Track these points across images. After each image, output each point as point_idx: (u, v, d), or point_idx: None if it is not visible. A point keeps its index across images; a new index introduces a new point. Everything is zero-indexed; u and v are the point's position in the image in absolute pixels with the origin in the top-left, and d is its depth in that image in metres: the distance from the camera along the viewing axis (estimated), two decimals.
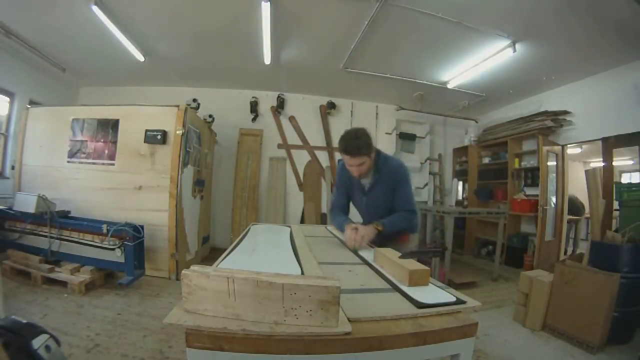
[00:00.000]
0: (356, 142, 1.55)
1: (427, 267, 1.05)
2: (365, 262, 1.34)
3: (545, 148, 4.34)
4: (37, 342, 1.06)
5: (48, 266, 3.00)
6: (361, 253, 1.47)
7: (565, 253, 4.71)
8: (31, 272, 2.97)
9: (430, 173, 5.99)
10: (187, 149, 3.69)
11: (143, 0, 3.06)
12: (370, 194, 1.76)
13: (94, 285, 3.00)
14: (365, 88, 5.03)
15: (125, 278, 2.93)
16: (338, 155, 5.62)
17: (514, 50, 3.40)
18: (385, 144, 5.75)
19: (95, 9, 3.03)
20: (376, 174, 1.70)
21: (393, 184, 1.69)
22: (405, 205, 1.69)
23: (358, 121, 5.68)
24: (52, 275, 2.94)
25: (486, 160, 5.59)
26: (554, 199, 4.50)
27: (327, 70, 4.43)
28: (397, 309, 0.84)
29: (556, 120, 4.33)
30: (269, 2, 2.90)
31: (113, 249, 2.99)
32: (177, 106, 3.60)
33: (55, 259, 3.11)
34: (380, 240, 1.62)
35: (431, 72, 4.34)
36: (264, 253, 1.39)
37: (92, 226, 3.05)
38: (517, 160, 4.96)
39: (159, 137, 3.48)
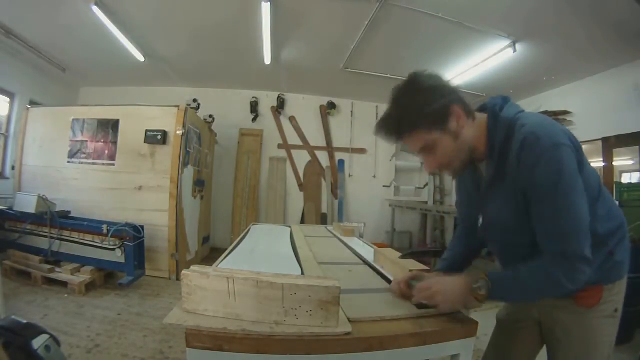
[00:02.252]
0: (397, 110, 0.80)
1: (427, 267, 1.06)
2: (365, 262, 1.34)
3: None
4: (37, 342, 1.06)
5: (48, 266, 3.00)
6: (361, 253, 1.47)
7: None
8: (31, 272, 2.97)
9: (430, 173, 5.98)
10: (187, 149, 3.68)
11: (143, 1, 3.06)
12: (487, 199, 0.88)
13: (94, 285, 3.00)
14: (365, 88, 5.02)
15: (125, 278, 2.93)
16: (338, 155, 5.62)
17: (514, 50, 3.40)
18: (385, 143, 5.75)
19: (95, 9, 3.03)
20: (492, 159, 0.82)
21: (523, 182, 0.76)
22: (551, 243, 0.74)
23: (358, 121, 5.69)
24: (52, 275, 2.94)
25: None
26: None
27: (327, 70, 4.43)
28: (397, 309, 0.84)
29: (556, 120, 4.32)
30: (269, 2, 2.90)
31: (113, 249, 2.99)
32: (177, 106, 3.60)
33: (55, 259, 3.11)
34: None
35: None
36: (264, 253, 1.39)
37: (92, 226, 3.05)
38: None
39: (159, 137, 3.48)
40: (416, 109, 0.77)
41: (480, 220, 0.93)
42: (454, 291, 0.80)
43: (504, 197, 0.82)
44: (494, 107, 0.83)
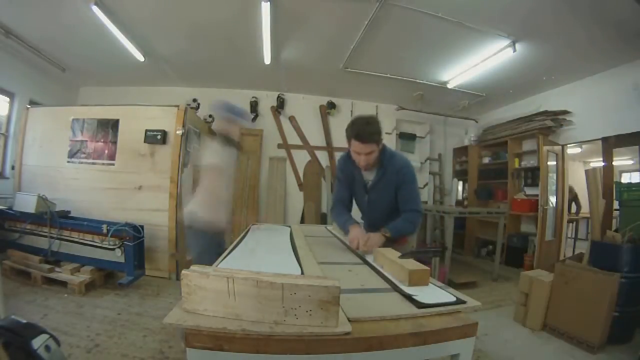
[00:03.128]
0: (368, 127, 1.48)
1: (427, 267, 1.06)
2: (365, 262, 1.34)
3: (545, 148, 4.34)
4: (37, 342, 1.06)
5: (48, 266, 3.00)
6: (363, 256, 1.48)
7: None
8: (31, 272, 2.97)
9: (430, 173, 5.99)
10: (187, 149, 3.68)
11: (143, 1, 3.05)
12: (372, 191, 1.67)
13: (94, 285, 3.00)
14: (365, 88, 5.02)
15: (125, 278, 2.93)
16: (338, 155, 5.63)
17: (514, 50, 3.40)
18: (385, 143, 5.75)
19: (95, 9, 3.03)
20: (380, 170, 1.61)
21: (397, 183, 1.60)
22: (411, 205, 1.61)
23: None
24: (52, 275, 2.94)
25: (486, 160, 5.58)
26: (554, 199, 4.50)
27: (327, 70, 4.42)
28: (397, 309, 0.84)
29: (556, 120, 4.33)
30: (269, 2, 2.90)
31: (113, 249, 2.99)
32: (177, 106, 3.61)
33: (55, 259, 3.11)
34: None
35: (431, 72, 4.34)
36: (264, 253, 1.39)
37: (92, 226, 3.05)
38: (517, 160, 4.96)
39: (159, 137, 3.48)
40: (378, 130, 1.53)
41: (360, 201, 1.79)
42: (376, 236, 1.51)
43: (386, 189, 1.64)
44: (385, 145, 1.64)
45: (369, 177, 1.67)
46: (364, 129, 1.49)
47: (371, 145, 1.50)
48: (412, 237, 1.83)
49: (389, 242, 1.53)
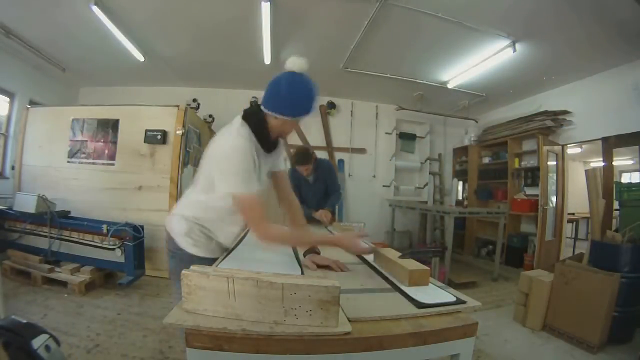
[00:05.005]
0: (306, 156, 2.38)
1: (427, 267, 1.06)
2: (365, 262, 1.34)
3: (545, 148, 4.34)
4: (37, 342, 1.06)
5: (48, 266, 3.00)
6: (363, 256, 1.49)
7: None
8: (31, 272, 2.97)
9: (430, 173, 5.98)
10: (187, 149, 3.69)
11: (143, 1, 3.05)
12: (314, 185, 2.57)
13: (94, 285, 3.00)
14: (365, 88, 5.02)
15: (125, 278, 2.93)
16: (338, 155, 5.63)
17: (514, 50, 3.40)
18: (385, 143, 5.76)
19: (95, 8, 3.03)
20: (315, 172, 2.51)
21: (325, 176, 2.59)
22: (336, 188, 2.66)
23: (358, 121, 5.69)
24: (52, 275, 2.94)
25: (486, 160, 5.59)
26: (554, 199, 4.50)
27: (327, 70, 4.42)
28: (397, 309, 0.84)
29: (556, 120, 4.33)
30: (269, 2, 2.90)
31: (113, 249, 2.99)
32: (177, 106, 3.61)
33: (55, 259, 3.11)
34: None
35: (431, 71, 4.34)
36: (264, 253, 1.39)
37: (92, 226, 3.06)
38: (517, 160, 4.96)
39: (159, 137, 3.48)
40: (310, 156, 2.41)
41: (306, 193, 2.54)
42: (327, 212, 2.45)
43: (321, 182, 2.58)
44: (316, 157, 2.48)
45: (310, 177, 2.53)
46: (304, 158, 2.37)
47: (309, 165, 2.39)
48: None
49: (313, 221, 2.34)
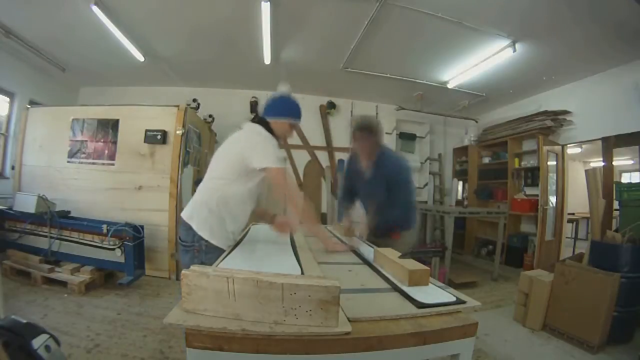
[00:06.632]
0: (368, 128, 1.85)
1: (427, 267, 1.06)
2: (365, 262, 1.34)
3: (545, 148, 4.34)
4: (37, 342, 1.06)
5: (48, 266, 3.00)
6: (361, 253, 1.48)
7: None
8: (31, 272, 2.97)
9: (430, 173, 5.98)
10: (187, 149, 3.69)
11: (143, 0, 3.05)
12: (369, 183, 1.95)
13: (94, 285, 3.00)
14: (365, 88, 5.02)
15: (125, 278, 2.93)
16: (338, 155, 5.63)
17: (514, 50, 3.40)
18: (383, 147, 5.74)
19: (95, 9, 3.02)
20: (375, 167, 1.91)
21: (389, 179, 1.84)
22: (401, 197, 1.85)
23: None
24: (52, 275, 2.94)
25: (486, 160, 5.59)
26: (554, 199, 4.50)
27: (327, 70, 4.42)
28: (397, 309, 0.84)
29: (556, 120, 4.33)
30: (269, 2, 2.90)
31: (113, 249, 2.99)
32: (177, 106, 3.60)
33: (55, 259, 3.11)
34: (373, 237, 1.87)
35: (431, 71, 4.34)
36: (264, 253, 1.39)
37: (92, 226, 3.05)
38: (517, 160, 4.96)
39: (159, 137, 3.48)
40: (376, 126, 1.86)
41: (363, 190, 2.03)
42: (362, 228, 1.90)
43: (379, 183, 1.84)
44: (383, 148, 1.93)
45: (369, 172, 1.95)
46: (362, 128, 1.87)
47: (364, 143, 1.85)
48: (406, 232, 1.96)
49: (382, 237, 1.85)
